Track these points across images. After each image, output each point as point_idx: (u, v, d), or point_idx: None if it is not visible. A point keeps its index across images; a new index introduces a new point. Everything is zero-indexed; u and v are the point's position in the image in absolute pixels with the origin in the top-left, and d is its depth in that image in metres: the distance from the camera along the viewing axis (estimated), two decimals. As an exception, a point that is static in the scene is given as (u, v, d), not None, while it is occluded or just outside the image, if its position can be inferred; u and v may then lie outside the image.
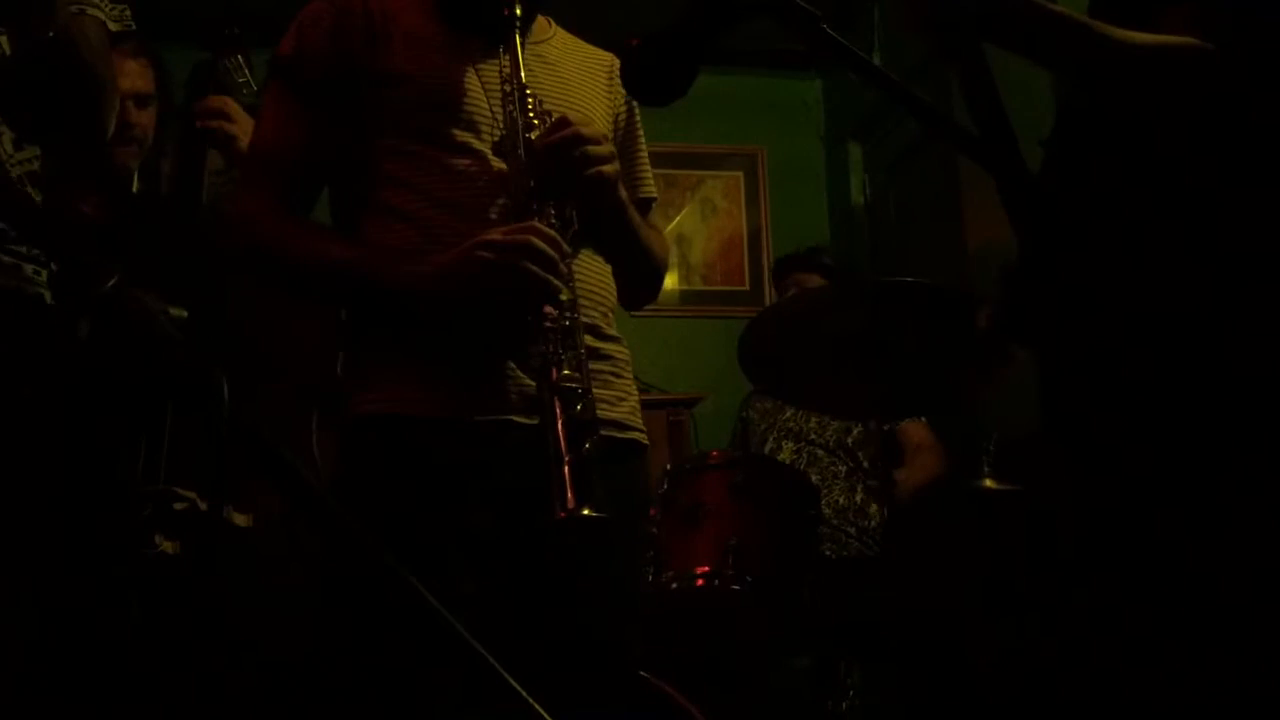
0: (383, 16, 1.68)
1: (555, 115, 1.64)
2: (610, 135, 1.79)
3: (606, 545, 1.51)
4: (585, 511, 1.42)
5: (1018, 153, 1.16)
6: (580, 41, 1.89)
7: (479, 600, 1.40)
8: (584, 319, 1.64)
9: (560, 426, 1.48)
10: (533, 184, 1.59)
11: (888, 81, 1.09)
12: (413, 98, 1.64)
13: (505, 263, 1.52)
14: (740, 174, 5.17)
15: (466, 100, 1.65)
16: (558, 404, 1.49)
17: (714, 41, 1.11)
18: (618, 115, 1.86)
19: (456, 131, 1.64)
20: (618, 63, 1.84)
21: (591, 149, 1.61)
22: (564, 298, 1.55)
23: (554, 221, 1.58)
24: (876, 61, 4.31)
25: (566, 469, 1.44)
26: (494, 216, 1.60)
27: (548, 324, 1.53)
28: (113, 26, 1.59)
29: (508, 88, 1.64)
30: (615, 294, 1.79)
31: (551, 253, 1.53)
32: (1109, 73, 1.39)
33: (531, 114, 1.62)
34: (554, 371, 1.51)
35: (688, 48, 1.10)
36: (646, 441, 1.77)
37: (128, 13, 1.63)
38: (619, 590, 1.68)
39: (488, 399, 1.58)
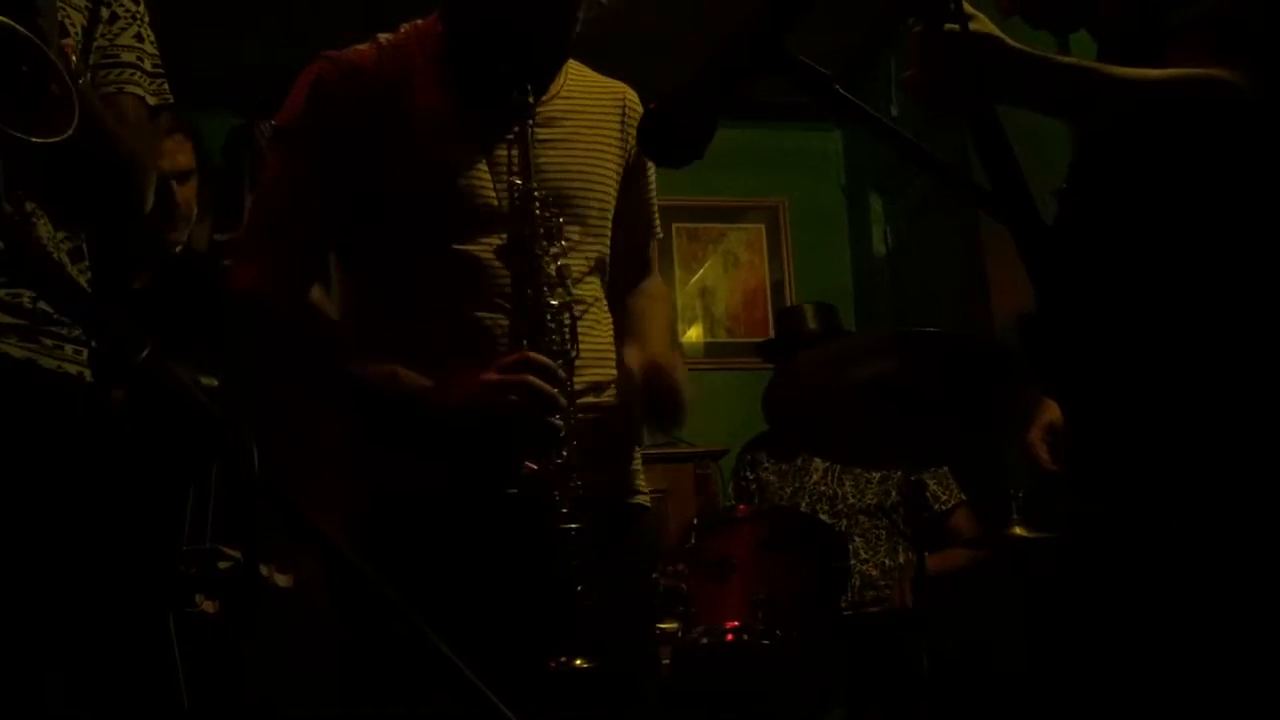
0: (391, 87, 1.62)
1: (560, 196, 1.63)
2: (614, 186, 1.77)
3: (624, 607, 1.52)
4: (578, 663, 1.45)
5: (1032, 204, 1.17)
6: (589, 74, 1.82)
7: (493, 662, 1.41)
8: (590, 379, 1.65)
9: (553, 572, 1.49)
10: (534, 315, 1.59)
11: (902, 139, 1.10)
12: (420, 193, 1.61)
13: (502, 407, 1.52)
14: (762, 226, 5.20)
15: (476, 196, 1.61)
16: (555, 553, 1.50)
17: (728, 102, 1.13)
18: (629, 151, 1.80)
19: (464, 228, 1.61)
20: (628, 94, 1.83)
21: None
22: (561, 434, 1.54)
23: (554, 346, 1.58)
24: (894, 112, 4.34)
25: (559, 619, 1.47)
26: (497, 331, 1.59)
27: (547, 466, 1.53)
28: (151, 101, 1.61)
29: (516, 188, 1.61)
30: (612, 361, 1.76)
31: (549, 391, 1.53)
32: (1120, 112, 1.40)
33: (539, 213, 1.60)
34: (550, 515, 1.51)
35: (702, 110, 1.12)
36: (649, 504, 1.77)
37: (165, 86, 1.63)
38: (630, 647, 1.67)
39: (491, 474, 1.56)
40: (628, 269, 1.83)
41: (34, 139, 1.24)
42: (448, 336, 1.60)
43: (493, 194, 1.62)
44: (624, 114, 1.80)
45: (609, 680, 1.50)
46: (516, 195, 1.60)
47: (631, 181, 1.82)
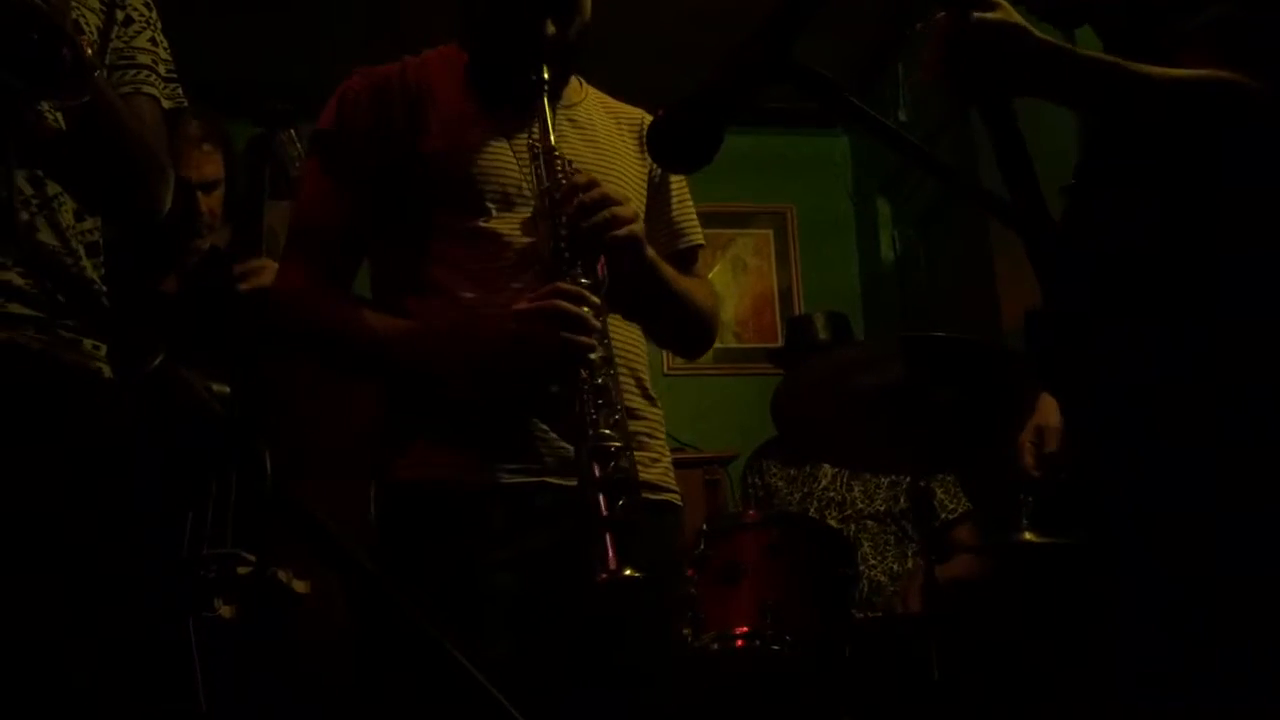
0: (419, 91, 1.72)
1: (584, 176, 1.66)
2: (641, 197, 1.82)
3: (647, 604, 1.52)
4: (627, 572, 1.43)
5: (1041, 200, 1.17)
6: (610, 100, 1.91)
7: (512, 662, 1.41)
8: (620, 375, 1.66)
9: (599, 487, 1.49)
10: (561, 245, 1.61)
11: (910, 146, 1.11)
12: (447, 178, 1.67)
13: (533, 333, 1.55)
14: (770, 232, 5.20)
15: (500, 176, 1.69)
16: (595, 465, 1.50)
17: (737, 109, 1.14)
18: (651, 171, 1.87)
19: (492, 207, 1.67)
20: (647, 118, 1.88)
21: (618, 210, 1.63)
22: (595, 356, 1.56)
23: (583, 281, 1.60)
24: (902, 117, 4.34)
25: (607, 531, 1.46)
26: (528, 286, 1.62)
27: (582, 385, 1.54)
28: (166, 104, 1.63)
29: (537, 149, 1.67)
30: (645, 354, 1.80)
31: (579, 311, 1.55)
32: (1143, 109, 1.40)
33: (561, 176, 1.64)
34: (590, 432, 1.52)
35: (712, 116, 1.12)
36: (680, 502, 1.78)
37: (179, 90, 1.66)
38: (653, 649, 1.69)
39: (522, 462, 1.60)
40: None
41: (52, 102, 1.26)
42: (481, 311, 1.63)
43: (516, 173, 1.69)
44: (641, 135, 1.87)
45: (657, 592, 1.50)
46: (539, 153, 1.66)
47: (657, 195, 1.88)
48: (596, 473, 1.50)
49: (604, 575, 1.43)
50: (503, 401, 1.60)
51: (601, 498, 1.48)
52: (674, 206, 1.91)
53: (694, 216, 1.94)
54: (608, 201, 1.63)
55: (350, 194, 1.71)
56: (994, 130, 1.17)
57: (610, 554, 1.44)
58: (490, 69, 1.75)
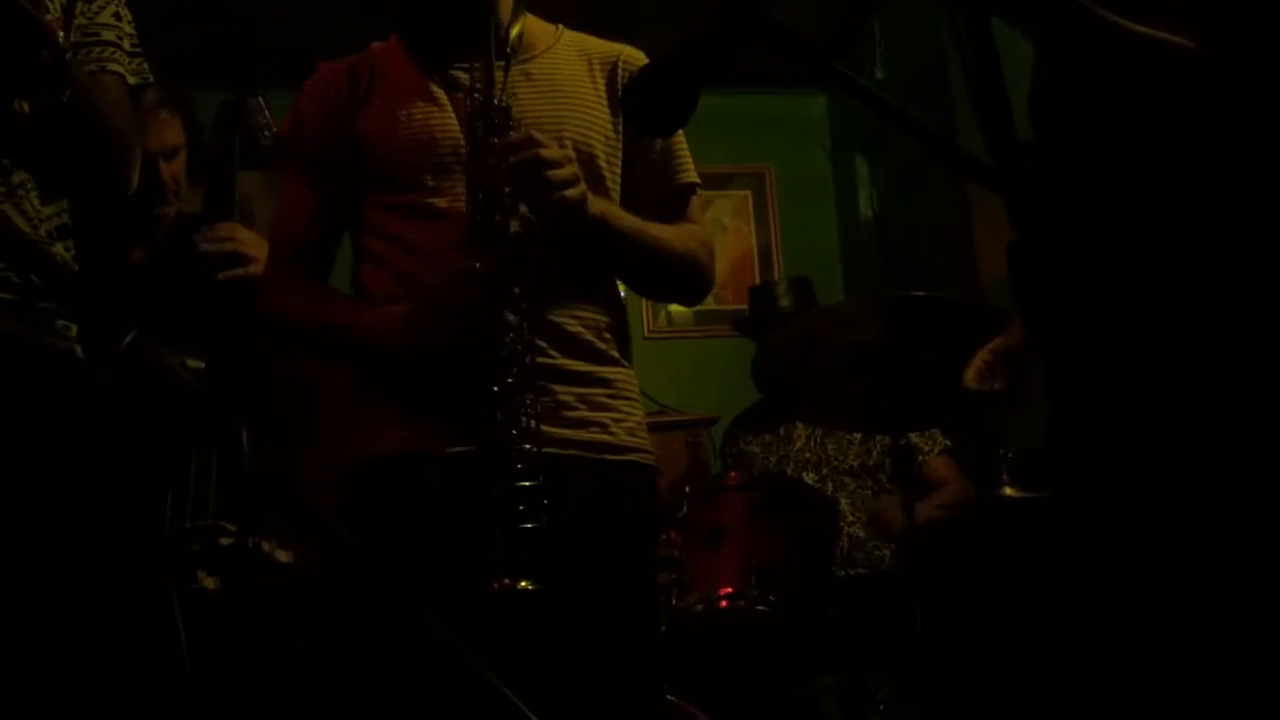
0: (368, 78, 1.75)
1: (520, 134, 1.60)
2: (610, 143, 1.76)
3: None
4: (522, 585, 1.45)
5: (1010, 124, 1.16)
6: (589, 40, 1.84)
7: (478, 624, 1.42)
8: (578, 337, 1.68)
9: (500, 493, 1.49)
10: (491, 214, 1.59)
11: (887, 106, 1.10)
12: (387, 154, 1.70)
13: (438, 344, 1.59)
14: (748, 192, 5.18)
15: (439, 143, 1.69)
16: (500, 469, 1.51)
17: (714, 72, 1.12)
18: None
19: (427, 178, 1.68)
20: (624, 53, 1.82)
21: (553, 173, 1.57)
22: (504, 354, 1.54)
23: (503, 251, 1.57)
24: (879, 76, 4.32)
25: (501, 540, 1.47)
26: (464, 256, 1.61)
27: (494, 385, 1.53)
28: (131, 80, 1.62)
29: (478, 96, 1.63)
30: (612, 314, 1.77)
31: (481, 320, 1.55)
32: (1100, 52, 1.39)
33: (494, 137, 1.60)
34: (498, 434, 1.52)
35: (686, 80, 1.11)
36: (649, 461, 1.76)
37: (144, 66, 1.66)
38: (633, 608, 1.70)
39: (466, 431, 1.59)
40: (660, 220, 1.79)
41: (30, 101, 1.26)
42: (440, 288, 1.64)
43: (458, 135, 1.68)
44: (616, 70, 1.80)
45: (556, 604, 1.50)
46: (471, 107, 1.64)
47: (643, 140, 1.80)
48: (503, 482, 1.50)
49: (495, 585, 1.44)
50: (440, 380, 1.62)
51: (501, 505, 1.49)
52: (659, 145, 1.80)
53: (685, 154, 1.83)
54: (541, 164, 1.56)
55: (314, 192, 1.77)
56: (970, 41, 1.14)
57: (502, 565, 1.45)
58: (430, 45, 1.75)
